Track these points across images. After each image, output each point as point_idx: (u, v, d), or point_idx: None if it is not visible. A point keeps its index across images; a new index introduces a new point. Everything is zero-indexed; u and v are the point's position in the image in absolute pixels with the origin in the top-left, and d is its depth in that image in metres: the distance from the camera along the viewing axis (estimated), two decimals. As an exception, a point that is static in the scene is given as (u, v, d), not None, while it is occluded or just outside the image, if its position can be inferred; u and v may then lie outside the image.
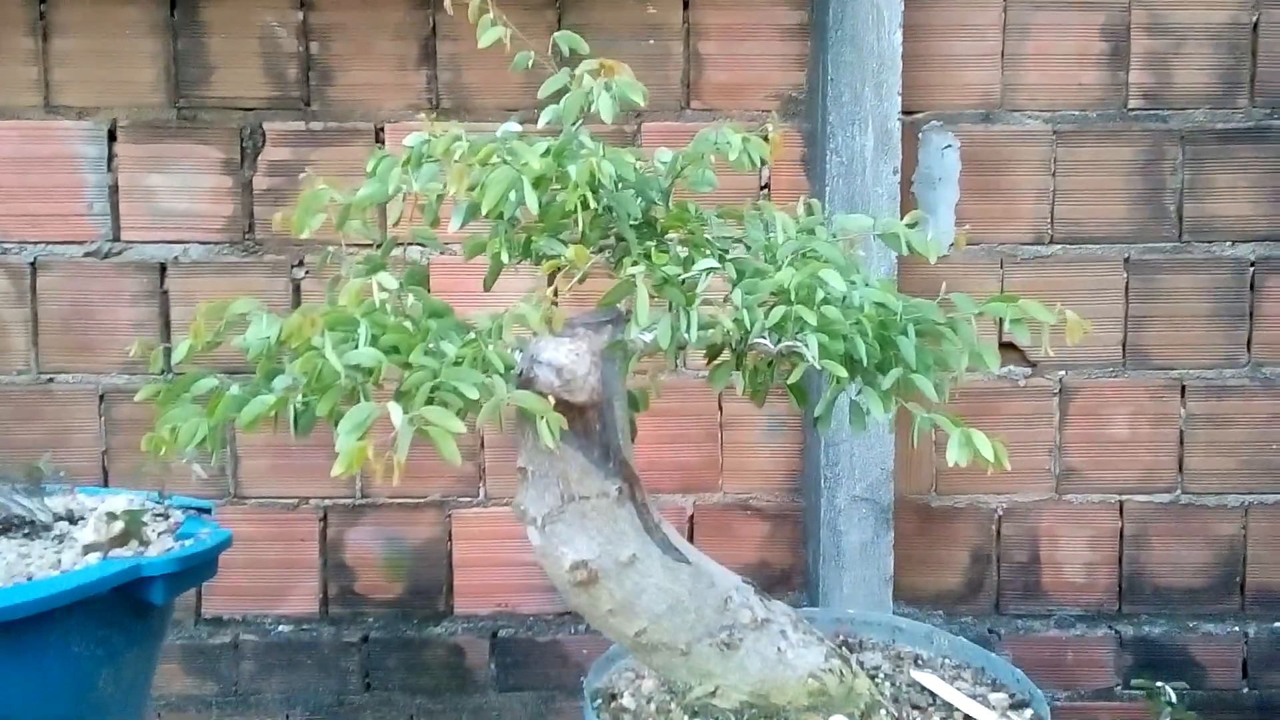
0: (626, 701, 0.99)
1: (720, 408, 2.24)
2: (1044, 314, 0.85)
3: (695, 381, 2.24)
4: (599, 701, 1.00)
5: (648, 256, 0.85)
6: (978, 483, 2.24)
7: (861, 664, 1.01)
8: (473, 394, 0.82)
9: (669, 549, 0.95)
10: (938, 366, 0.91)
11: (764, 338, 0.88)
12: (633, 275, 0.85)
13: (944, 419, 0.87)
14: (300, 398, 0.86)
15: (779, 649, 0.94)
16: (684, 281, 0.86)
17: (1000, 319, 0.90)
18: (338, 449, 0.77)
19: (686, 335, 0.89)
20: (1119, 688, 2.24)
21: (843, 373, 0.85)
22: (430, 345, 0.87)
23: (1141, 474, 2.23)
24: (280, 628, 2.28)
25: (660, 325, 0.87)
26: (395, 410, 0.78)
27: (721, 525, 2.23)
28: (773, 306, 0.87)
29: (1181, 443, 2.22)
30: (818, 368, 0.86)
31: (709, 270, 0.86)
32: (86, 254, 2.16)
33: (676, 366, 2.22)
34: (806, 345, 0.86)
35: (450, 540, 2.27)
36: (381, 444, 0.75)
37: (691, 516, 2.24)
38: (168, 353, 0.95)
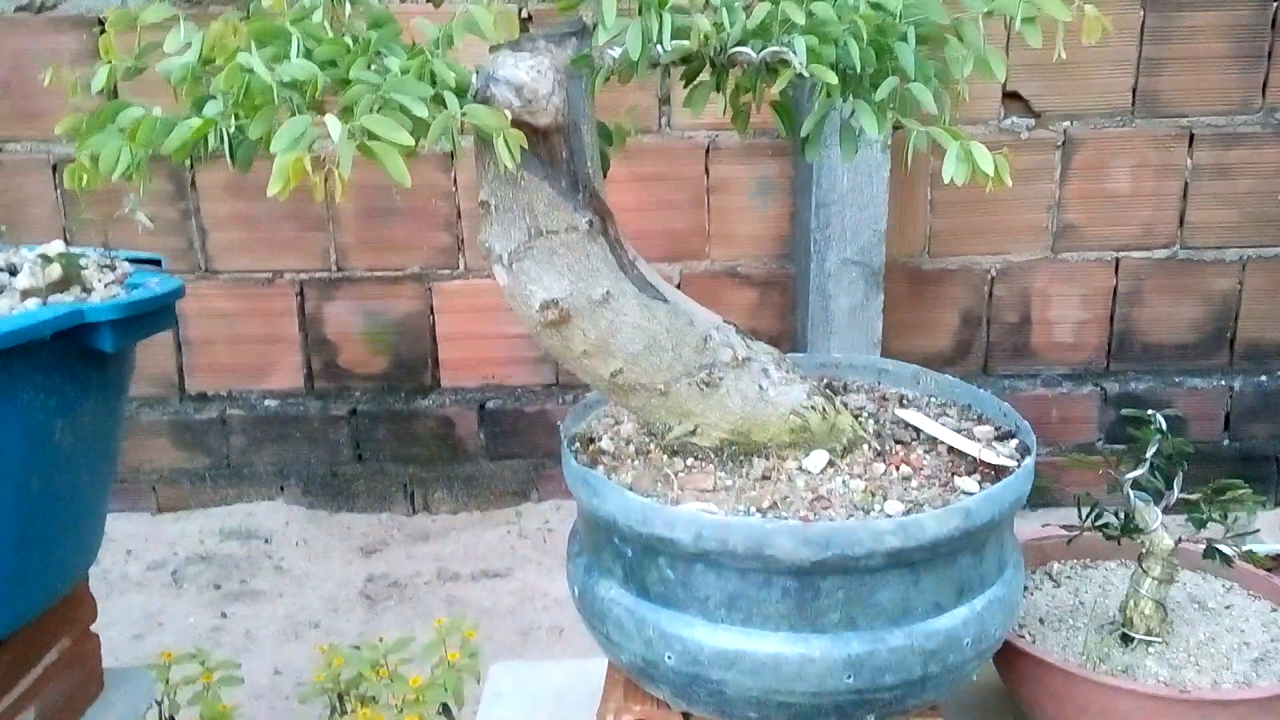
0: (605, 444, 0.96)
1: (707, 171, 2.15)
2: (1059, 9, 0.76)
3: (682, 143, 2.13)
4: (576, 445, 0.97)
5: (613, -51, 0.75)
6: (971, 243, 2.19)
7: (845, 404, 0.97)
8: (420, 110, 0.74)
9: (645, 286, 0.89)
10: (938, 79, 0.83)
11: (746, 46, 0.80)
12: (597, -28, 0.75)
13: (941, 133, 0.79)
14: (232, 123, 0.78)
15: (760, 387, 0.91)
16: (655, -20, 0.76)
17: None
18: (273, 170, 0.69)
19: (659, 47, 0.80)
20: (1100, 442, 2.27)
21: (833, 79, 0.77)
22: (371, 59, 0.78)
23: (1141, 229, 2.17)
24: (267, 402, 2.27)
25: (630, 33, 0.78)
26: (333, 123, 0.70)
27: (709, 293, 2.18)
28: (757, 6, 0.78)
29: (1185, 196, 2.15)
30: (805, 75, 0.77)
31: (683, -36, 0.76)
32: (18, 9, 1.99)
33: (660, 115, 2.11)
34: (793, 50, 0.77)
35: (432, 313, 2.23)
36: (327, 157, 0.67)
37: (679, 285, 2.19)
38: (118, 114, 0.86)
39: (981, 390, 1.03)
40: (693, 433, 0.92)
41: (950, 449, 0.92)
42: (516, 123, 0.79)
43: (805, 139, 0.87)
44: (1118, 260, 2.19)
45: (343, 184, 0.67)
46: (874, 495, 0.85)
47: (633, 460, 0.94)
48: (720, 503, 0.85)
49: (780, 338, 2.22)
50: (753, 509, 0.84)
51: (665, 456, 0.93)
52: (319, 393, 2.27)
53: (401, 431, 2.27)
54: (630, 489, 0.85)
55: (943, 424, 0.96)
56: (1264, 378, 2.23)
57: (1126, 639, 0.97)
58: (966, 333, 2.23)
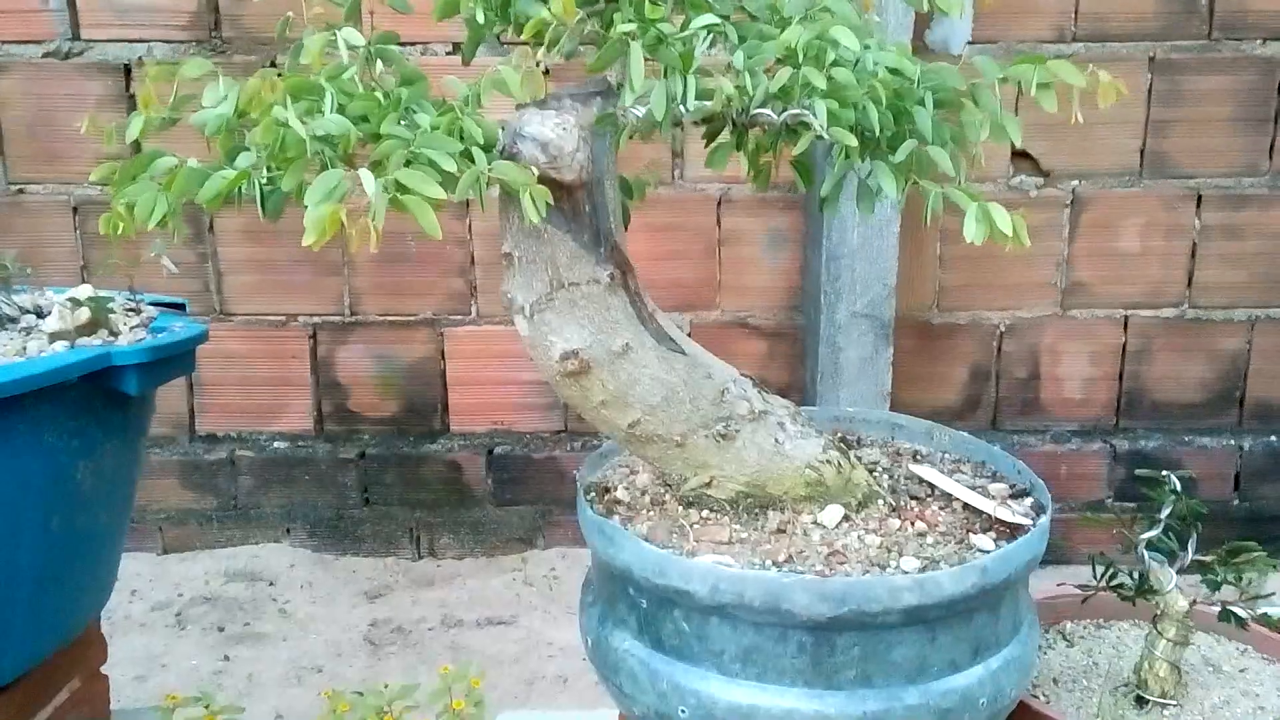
0: (620, 494, 0.97)
1: (719, 223, 2.17)
2: (1074, 75, 0.78)
3: (694, 195, 2.16)
4: (592, 495, 0.98)
5: (640, 13, 0.77)
6: (980, 299, 2.20)
7: (859, 459, 0.98)
8: (449, 165, 0.76)
9: (663, 339, 0.91)
10: (954, 141, 0.85)
11: (767, 108, 0.82)
12: (624, 34, 0.77)
13: (959, 193, 0.81)
14: (265, 173, 0.80)
15: (776, 440, 0.92)
16: (680, 43, 0.79)
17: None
18: (306, 221, 0.71)
19: (683, 107, 0.82)
20: (1110, 499, 2.27)
21: (853, 141, 0.79)
22: (402, 115, 0.80)
23: (1150, 288, 2.19)
24: (276, 444, 2.28)
25: (654, 94, 0.80)
26: (368, 177, 0.72)
27: (719, 343, 2.20)
28: (778, 71, 0.80)
29: (1193, 255, 2.17)
30: (825, 137, 0.79)
31: (709, 28, 0.78)
32: (45, 54, 2.04)
33: (674, 168, 2.14)
34: (814, 113, 0.79)
35: (443, 358, 2.24)
36: (355, 209, 0.69)
37: (689, 334, 2.20)
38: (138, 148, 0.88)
39: (995, 447, 1.04)
40: (708, 484, 0.92)
41: (965, 505, 0.93)
42: (542, 179, 0.81)
43: (824, 199, 0.89)
44: (1126, 318, 2.20)
45: (377, 235, 0.68)
46: (890, 551, 0.86)
47: (648, 510, 0.95)
48: (736, 555, 0.86)
49: (789, 389, 2.23)
50: (768, 562, 0.84)
51: (680, 508, 0.94)
52: (328, 435, 2.28)
53: (409, 475, 2.27)
54: (646, 540, 0.86)
55: (957, 480, 0.97)
56: (1274, 437, 2.23)
57: (1141, 701, 0.97)
58: (975, 387, 2.24)
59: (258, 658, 1.97)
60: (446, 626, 2.07)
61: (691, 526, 0.91)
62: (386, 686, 1.51)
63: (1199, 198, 2.14)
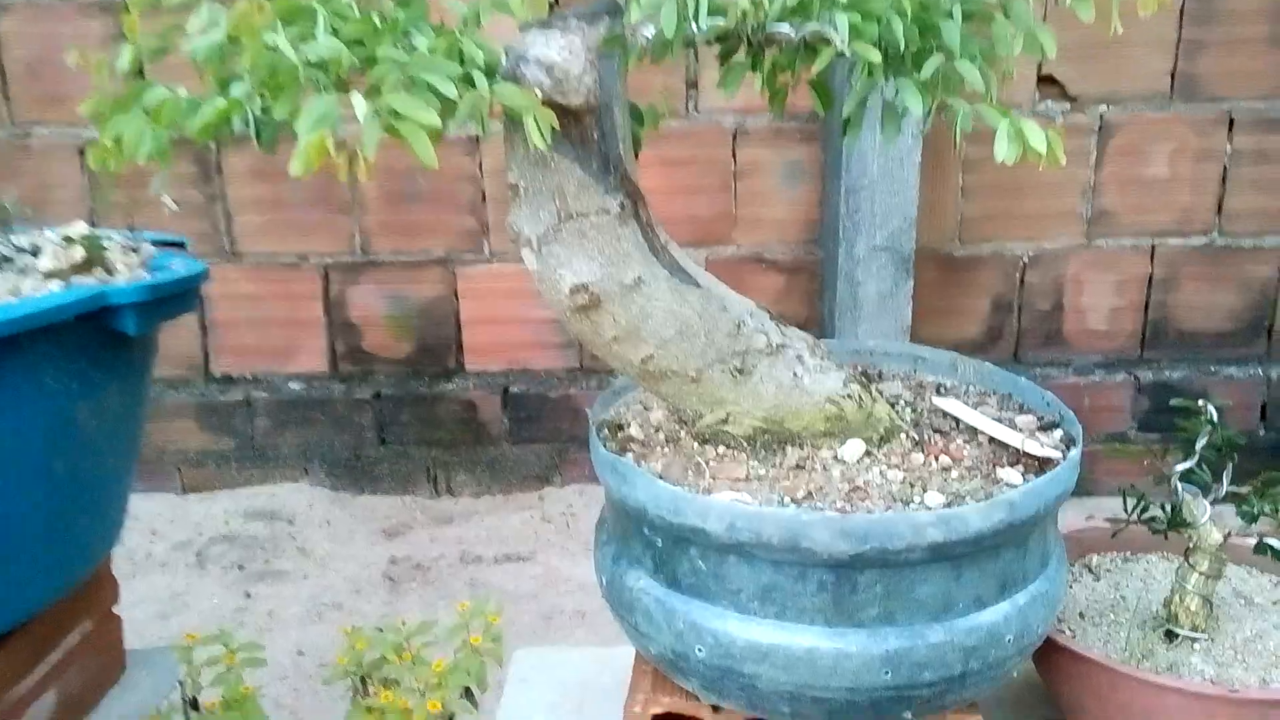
0: (634, 431, 0.94)
1: (735, 156, 2.11)
2: (1113, -17, 0.73)
3: (709, 127, 2.10)
4: (605, 432, 0.95)
5: (649, -78, 0.73)
6: (1004, 230, 2.15)
7: (881, 392, 0.95)
8: (448, 90, 0.72)
9: (677, 271, 0.87)
10: (983, 57, 0.80)
11: (785, 24, 0.77)
12: (631, -54, 0.73)
13: (990, 111, 0.76)
14: (258, 103, 0.76)
15: (795, 374, 0.88)
16: (691, -46, 0.74)
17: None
18: (297, 148, 0.67)
19: (694, 25, 0.78)
20: (1133, 431, 2.23)
21: (876, 57, 0.74)
22: (399, 38, 0.76)
23: (1178, 216, 2.13)
24: (291, 385, 2.27)
25: (664, 10, 0.76)
26: (359, 102, 0.68)
27: (735, 278, 2.15)
28: (795, -18, 0.75)
29: (1224, 181, 2.10)
30: (846, 54, 0.74)
31: (720, -62, 0.73)
32: (45, -10, 1.99)
33: (688, 99, 2.08)
34: (835, 28, 0.74)
35: (457, 298, 2.21)
36: (352, 140, 0.65)
37: (704, 270, 2.16)
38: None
39: (1022, 378, 1.00)
40: (725, 421, 0.89)
41: (991, 439, 0.89)
42: (547, 103, 0.77)
43: (847, 120, 0.84)
44: (1153, 247, 2.14)
45: (368, 166, 0.65)
46: (913, 486, 0.83)
47: (662, 448, 0.92)
48: (753, 492, 0.83)
49: (807, 324, 2.19)
50: (787, 499, 0.81)
51: (696, 444, 0.91)
52: (343, 376, 2.26)
53: (425, 415, 2.26)
54: (661, 477, 0.83)
55: (982, 413, 0.93)
56: (1302, 367, 2.18)
57: (1171, 635, 0.95)
58: (997, 320, 2.19)
59: (278, 595, 1.97)
60: (465, 563, 2.07)
61: (708, 464, 0.88)
62: (405, 623, 1.51)
63: (1231, 121, 2.07)
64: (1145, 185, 2.10)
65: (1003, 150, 0.76)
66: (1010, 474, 0.84)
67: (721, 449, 0.90)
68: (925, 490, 0.82)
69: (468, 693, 1.44)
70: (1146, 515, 0.99)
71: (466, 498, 2.28)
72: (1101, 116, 2.06)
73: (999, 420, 0.92)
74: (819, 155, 2.12)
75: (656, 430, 0.95)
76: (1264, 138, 2.07)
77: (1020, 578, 0.81)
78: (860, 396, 0.90)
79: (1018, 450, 0.87)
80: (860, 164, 1.99)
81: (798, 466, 0.87)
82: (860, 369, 1.06)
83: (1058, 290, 2.17)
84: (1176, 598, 0.94)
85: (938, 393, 1.01)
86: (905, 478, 0.84)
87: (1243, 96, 2.05)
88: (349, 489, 2.29)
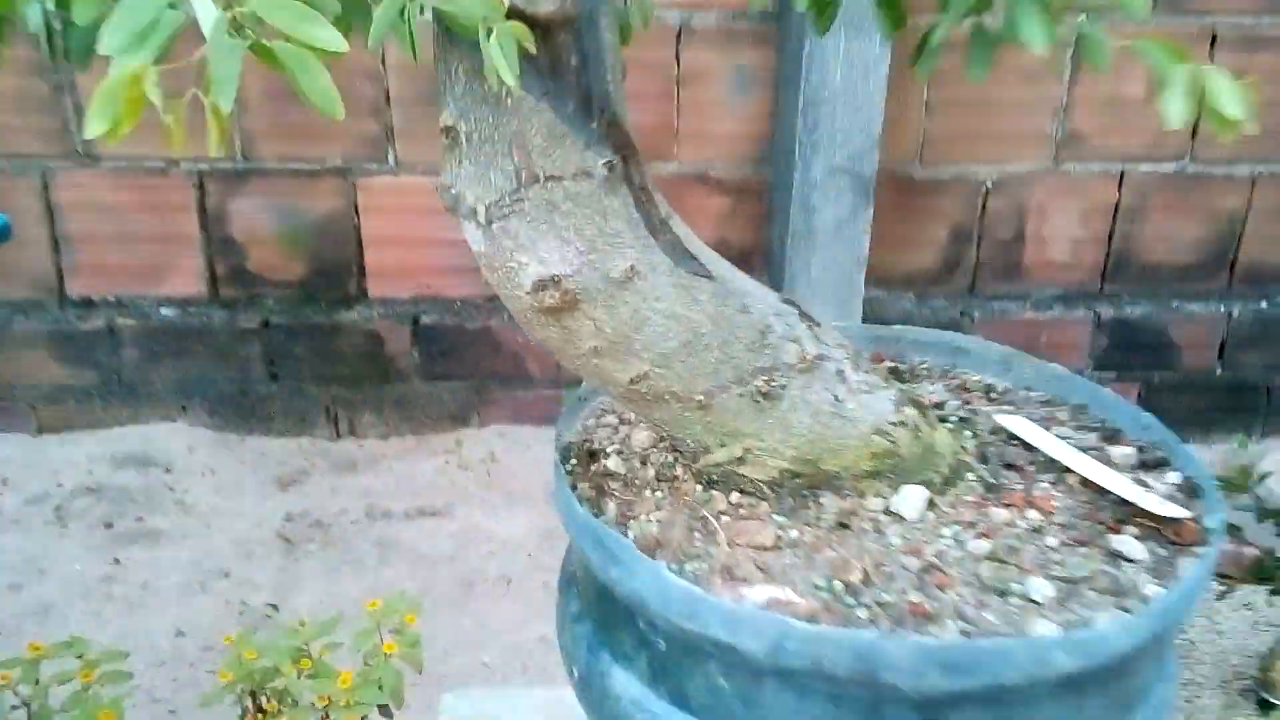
0: (614, 464, 0.69)
1: (678, 59, 1.81)
2: None
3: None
4: (574, 464, 0.69)
5: None
6: (968, 151, 1.91)
7: (937, 412, 0.71)
8: (356, -14, 0.43)
9: (683, 258, 0.60)
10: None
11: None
12: None
13: (1157, 48, 0.51)
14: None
15: (835, 397, 0.63)
16: None
17: None
18: (98, 91, 0.38)
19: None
20: (1090, 370, 2.07)
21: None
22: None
23: (1151, 139, 1.92)
24: (163, 311, 1.92)
25: None
26: (204, 8, 0.38)
27: (675, 200, 1.87)
28: None
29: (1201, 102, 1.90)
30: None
31: None
32: None
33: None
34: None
35: (357, 213, 1.88)
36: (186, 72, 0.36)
37: (641, 186, 1.87)
38: None
39: (1103, 388, 0.76)
40: (741, 460, 0.64)
41: (1085, 481, 0.66)
42: (511, 12, 0.48)
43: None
44: (1123, 173, 1.94)
45: (221, 131, 0.36)
46: (1005, 563, 0.59)
47: (653, 490, 0.67)
48: (787, 570, 0.59)
49: (753, 251, 1.93)
50: (837, 585, 0.57)
51: (699, 487, 0.66)
52: (225, 301, 1.92)
53: (322, 347, 1.94)
54: (670, 567, 0.57)
55: (1059, 436, 0.70)
56: (1263, 303, 2.03)
57: (1267, 706, 0.75)
58: (956, 249, 1.97)
59: (154, 561, 1.67)
60: (372, 519, 1.80)
61: (719, 519, 0.63)
62: (304, 624, 1.24)
63: (1214, 37, 1.85)
64: (1120, 105, 1.88)
65: (1175, 110, 0.51)
66: (1128, 543, 0.61)
67: (735, 496, 0.65)
68: (1022, 570, 0.59)
69: (384, 710, 1.19)
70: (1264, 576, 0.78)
71: (372, 440, 2.00)
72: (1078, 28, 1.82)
73: (1085, 449, 0.69)
74: (773, 61, 1.83)
75: (643, 462, 0.69)
76: (1247, 57, 1.86)
77: (1146, 692, 0.59)
78: (917, 424, 0.66)
79: (1123, 500, 0.65)
80: (821, 73, 1.71)
81: (840, 525, 0.63)
82: (887, 365, 0.82)
83: (1020, 218, 1.96)
84: (1276, 661, 0.75)
85: (988, 399, 0.78)
86: (993, 548, 0.61)
87: (1228, 12, 1.83)
88: (235, 430, 1.98)
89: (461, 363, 1.97)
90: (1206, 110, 0.51)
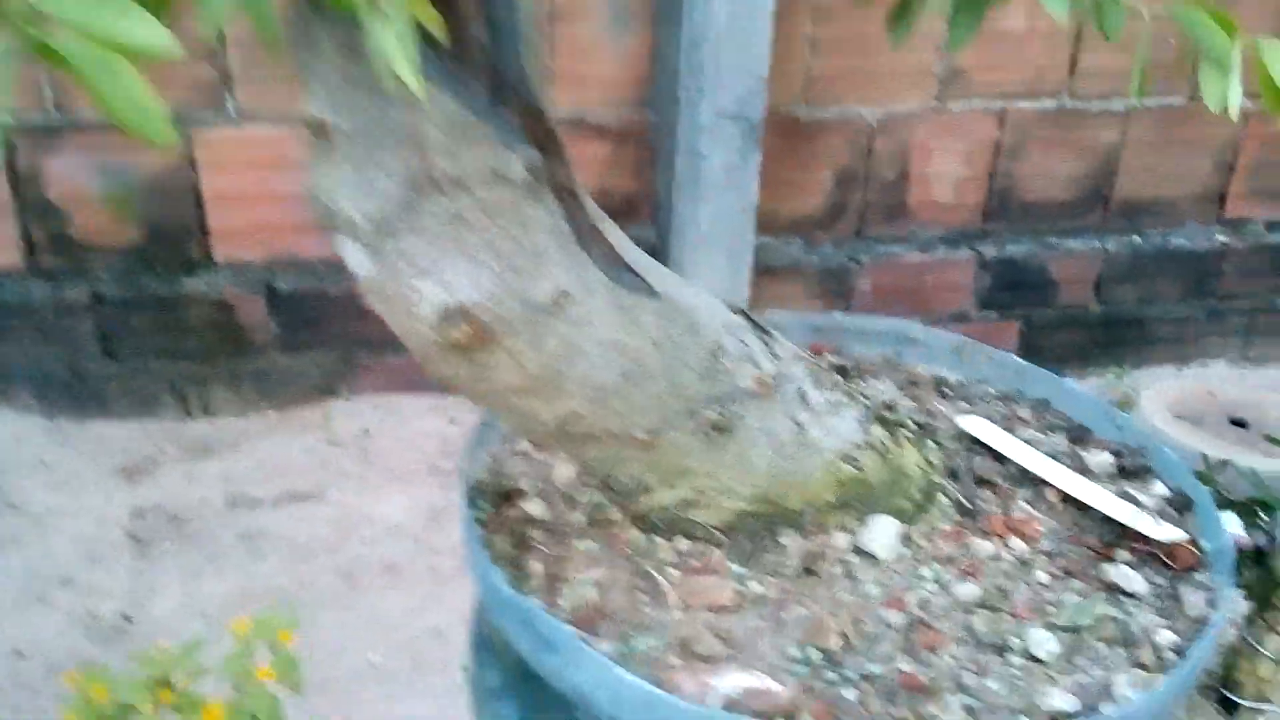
0: (534, 507, 0.57)
1: (548, -10, 1.66)
2: None
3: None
4: (485, 508, 0.58)
5: None
6: (853, 90, 1.83)
7: (904, 428, 0.62)
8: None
9: (620, 274, 0.49)
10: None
11: None
12: None
13: (1201, 18, 0.43)
14: None
15: (797, 424, 0.54)
16: None
17: None
18: None
19: None
20: (974, 309, 2.06)
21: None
22: None
23: (1031, 75, 1.88)
24: (-27, 287, 1.67)
25: None
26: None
27: (551, 143, 1.74)
28: None
29: (1078, 37, 1.87)
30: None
31: None
32: None
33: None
34: None
35: (195, 169, 1.67)
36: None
37: (515, 134, 1.72)
38: None
39: (1068, 380, 0.69)
40: (691, 503, 0.54)
41: (1066, 498, 0.59)
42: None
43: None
44: (1004, 110, 1.90)
45: None
46: (998, 611, 0.52)
47: (583, 539, 0.56)
48: (753, 638, 0.50)
49: (637, 199, 1.82)
50: (813, 654, 0.49)
51: (639, 534, 0.56)
52: (46, 272, 1.69)
53: (165, 320, 1.74)
54: (619, 650, 0.47)
55: (1025, 440, 0.63)
56: (1136, 237, 2.05)
57: (1229, 705, 0.72)
58: (842, 193, 1.91)
59: (-17, 574, 1.47)
60: (234, 508, 1.63)
61: (664, 573, 0.54)
62: (163, 648, 1.09)
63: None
64: (1000, 40, 1.84)
65: (1229, 96, 0.42)
66: (1125, 574, 0.54)
67: (682, 542, 0.55)
68: (1018, 618, 0.51)
69: (262, 742, 1.06)
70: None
71: (228, 418, 1.81)
72: (968, -40, 1.75)
73: (1055, 456, 0.62)
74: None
75: (570, 503, 0.58)
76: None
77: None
78: (884, 444, 0.57)
79: (1107, 517, 0.58)
80: (705, 10, 1.59)
81: (807, 571, 0.54)
82: (825, 358, 0.73)
83: (905, 159, 1.90)
84: (1244, 661, 0.71)
85: (942, 396, 0.70)
86: (983, 594, 0.53)
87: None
88: (69, 415, 1.76)
89: (325, 331, 1.79)
90: (1263, 84, 0.42)
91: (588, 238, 0.48)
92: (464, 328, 0.46)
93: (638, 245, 0.52)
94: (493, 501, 0.58)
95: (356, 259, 0.45)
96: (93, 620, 1.41)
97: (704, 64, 1.60)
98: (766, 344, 0.55)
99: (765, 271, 1.85)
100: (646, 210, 1.81)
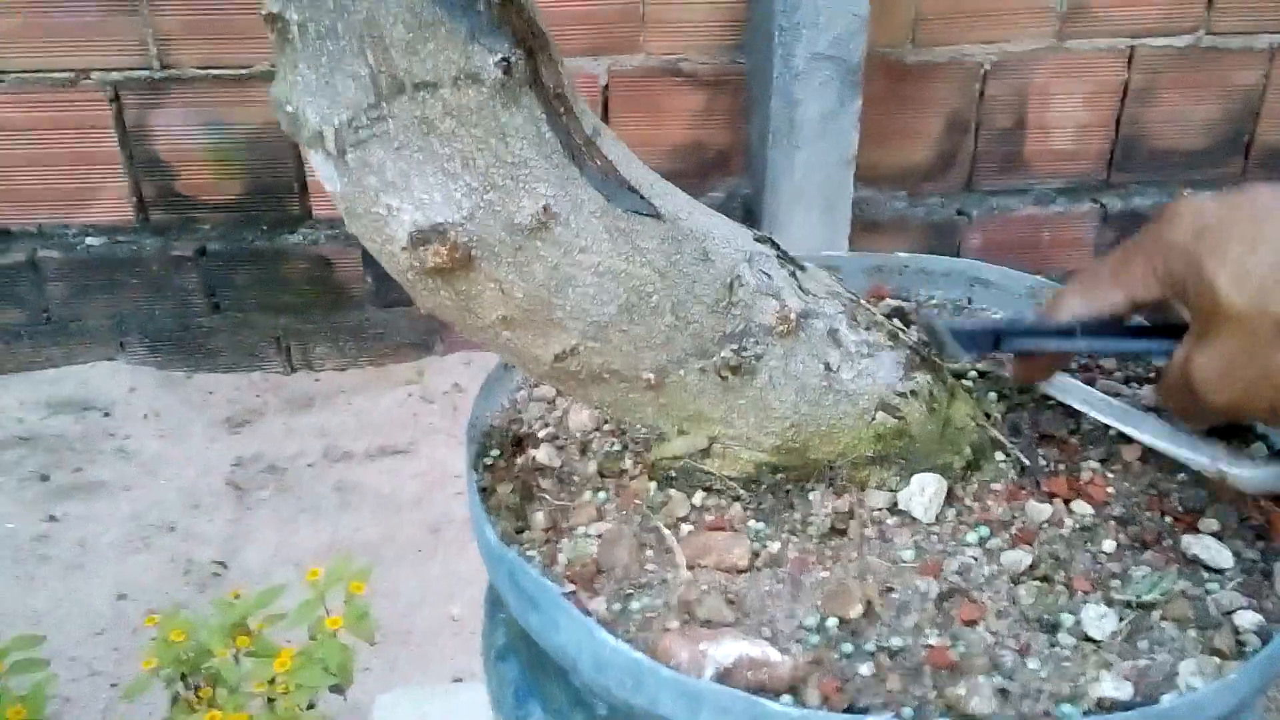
0: (544, 454, 0.53)
1: (638, -68, 1.60)
2: None
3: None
4: (493, 459, 0.54)
5: None
6: (964, 30, 1.71)
7: (956, 376, 0.55)
8: None
9: (618, 190, 0.44)
10: None
11: None
12: None
13: None
14: None
15: (826, 366, 0.48)
16: None
17: None
18: None
19: None
20: (1094, 268, 1.91)
21: None
22: None
23: (1163, 10, 1.72)
24: (89, 240, 1.73)
25: None
26: None
27: (643, 97, 1.68)
28: None
29: (1223, -33, 1.70)
30: None
31: None
32: None
33: None
34: None
35: (292, 124, 1.69)
36: None
37: (605, 87, 1.67)
38: None
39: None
40: (705, 452, 0.49)
41: (1148, 451, 0.51)
42: None
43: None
44: (1132, 50, 1.75)
45: None
46: (1052, 582, 0.45)
47: (595, 490, 0.52)
48: (765, 604, 0.44)
49: (731, 153, 1.74)
50: (831, 624, 0.43)
51: (653, 486, 0.51)
52: (156, 227, 1.74)
53: (267, 274, 1.77)
54: (606, 627, 0.42)
55: (1105, 393, 0.55)
56: (1282, 190, 1.87)
57: None
58: (951, 141, 1.79)
59: (93, 515, 1.53)
60: (330, 460, 1.65)
61: (676, 529, 0.48)
62: (238, 597, 1.10)
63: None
64: (1131, -28, 1.68)
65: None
66: (1208, 546, 0.46)
67: (700, 495, 0.50)
68: (1075, 595, 0.44)
69: (335, 689, 1.06)
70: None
71: (329, 372, 1.84)
72: (1094, -117, 1.60)
73: (1145, 411, 0.54)
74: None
75: (583, 451, 0.54)
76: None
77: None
78: (931, 392, 0.50)
79: (1198, 480, 0.50)
80: (801, -54, 1.50)
81: (835, 531, 0.48)
82: (886, 302, 0.65)
83: (1021, 104, 1.77)
84: None
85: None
86: (1034, 559, 0.46)
87: None
88: (179, 366, 1.82)
89: (418, 286, 1.79)
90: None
91: (579, 149, 0.42)
92: (439, 251, 0.41)
93: (731, 200, 0.47)
94: (504, 449, 0.54)
95: (325, 172, 0.42)
96: (190, 566, 1.45)
97: (800, 4, 1.52)
98: (794, 276, 0.49)
99: (865, 226, 1.75)
100: (739, 164, 1.74)
